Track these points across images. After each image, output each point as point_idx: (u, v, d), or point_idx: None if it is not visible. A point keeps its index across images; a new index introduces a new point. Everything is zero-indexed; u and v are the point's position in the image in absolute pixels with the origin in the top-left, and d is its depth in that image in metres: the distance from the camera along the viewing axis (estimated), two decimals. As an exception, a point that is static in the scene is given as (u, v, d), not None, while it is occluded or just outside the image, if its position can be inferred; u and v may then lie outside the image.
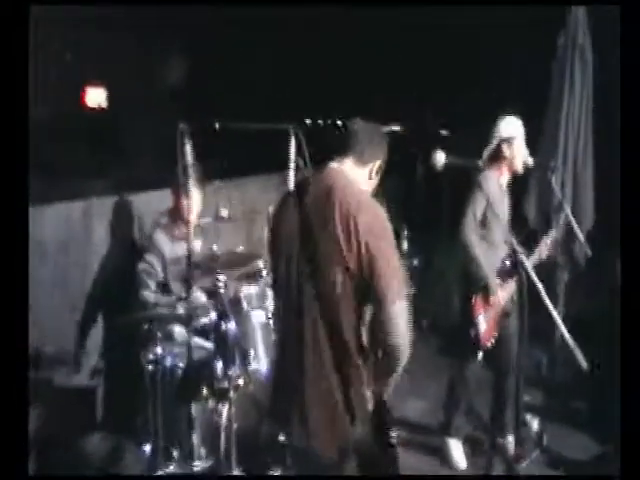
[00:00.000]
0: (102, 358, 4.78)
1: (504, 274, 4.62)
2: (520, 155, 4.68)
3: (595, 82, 6.22)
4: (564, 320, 6.22)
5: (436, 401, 5.41)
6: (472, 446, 5.02)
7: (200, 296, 4.61)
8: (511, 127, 4.70)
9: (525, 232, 6.04)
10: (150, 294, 4.40)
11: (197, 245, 4.57)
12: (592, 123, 6.26)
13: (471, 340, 4.62)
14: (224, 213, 4.50)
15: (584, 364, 3.01)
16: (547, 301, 3.05)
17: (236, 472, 3.99)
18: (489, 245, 4.62)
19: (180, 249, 4.27)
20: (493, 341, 4.65)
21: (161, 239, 4.49)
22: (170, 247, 4.48)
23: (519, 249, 3.16)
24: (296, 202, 2.73)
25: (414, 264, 7.25)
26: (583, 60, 6.18)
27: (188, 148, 3.49)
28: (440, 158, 3.03)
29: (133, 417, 4.29)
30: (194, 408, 4.00)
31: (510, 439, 4.82)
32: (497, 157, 4.69)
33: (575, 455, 4.90)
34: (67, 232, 4.61)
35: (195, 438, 4.04)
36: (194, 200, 4.27)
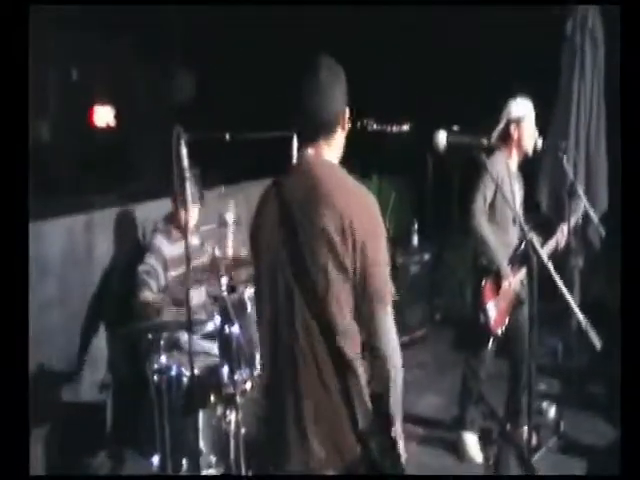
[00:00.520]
0: (109, 372, 4.72)
1: (516, 260, 4.55)
2: (529, 136, 4.57)
3: (607, 63, 6.14)
4: (581, 306, 6.22)
5: (451, 396, 5.31)
6: (487, 438, 4.95)
7: (200, 298, 4.58)
8: (520, 107, 4.60)
9: (538, 217, 5.99)
10: (150, 294, 4.33)
11: (197, 248, 4.58)
12: (604, 104, 6.19)
13: (481, 328, 4.54)
14: (229, 218, 4.43)
15: (598, 344, 2.95)
16: (559, 283, 2.98)
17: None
18: (499, 229, 4.53)
19: (181, 252, 4.21)
20: (504, 329, 4.56)
21: (161, 242, 4.47)
22: (170, 250, 4.45)
23: (528, 232, 3.09)
24: (277, 199, 2.49)
25: (425, 259, 7.15)
26: (593, 40, 6.11)
27: (184, 151, 3.42)
28: (442, 138, 2.92)
29: (140, 429, 4.21)
30: (202, 416, 3.92)
31: (526, 428, 4.76)
32: (505, 138, 4.60)
33: (593, 441, 4.81)
34: (69, 246, 4.56)
35: (203, 446, 3.96)
36: (192, 204, 4.24)
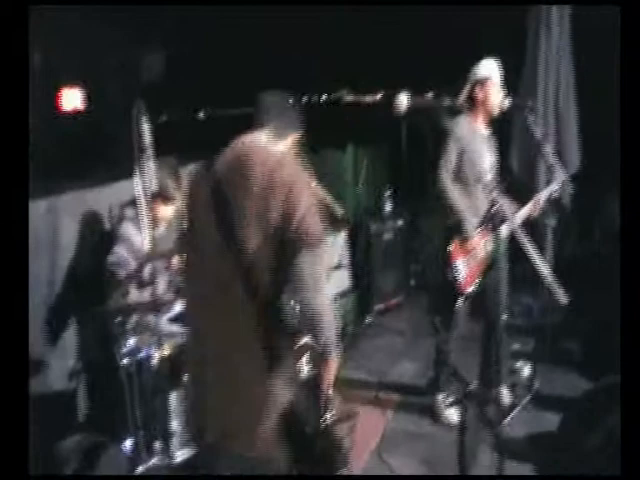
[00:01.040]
0: (78, 358, 4.67)
1: (487, 222, 4.55)
2: (495, 96, 4.53)
3: (572, 20, 6.14)
4: (554, 265, 6.27)
5: (427, 362, 5.32)
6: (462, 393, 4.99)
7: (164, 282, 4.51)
8: (485, 68, 4.56)
9: (510, 180, 6.00)
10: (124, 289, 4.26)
11: (164, 232, 4.44)
12: (572, 62, 6.18)
13: (450, 285, 4.55)
14: None
15: (564, 299, 2.96)
16: (527, 246, 3.00)
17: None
18: (467, 191, 4.53)
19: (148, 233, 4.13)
20: (474, 288, 4.57)
21: (129, 229, 4.31)
22: (138, 236, 4.28)
23: (497, 196, 3.10)
24: (207, 175, 2.53)
25: (398, 225, 7.15)
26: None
27: (145, 127, 3.34)
28: (403, 100, 2.91)
29: (113, 414, 4.14)
30: (174, 396, 3.91)
31: (502, 388, 4.80)
32: (472, 100, 4.58)
33: (567, 394, 4.85)
34: (33, 232, 4.47)
35: (176, 426, 3.93)
36: (170, 195, 4.19)
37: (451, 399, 4.81)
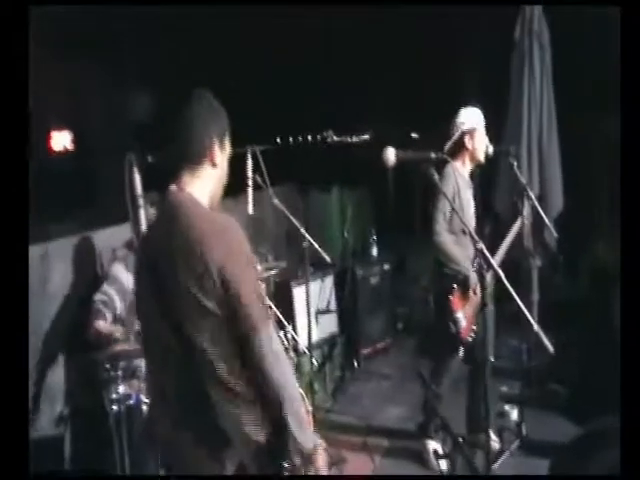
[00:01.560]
0: (67, 404, 4.63)
1: (477, 268, 4.58)
2: (482, 145, 4.65)
3: (554, 65, 6.25)
4: (540, 305, 6.29)
5: (415, 406, 5.32)
6: (452, 445, 4.97)
7: None
8: (472, 118, 4.67)
9: (495, 222, 6.06)
10: (105, 325, 4.26)
11: None
12: (555, 106, 6.28)
13: (451, 337, 4.56)
14: None
15: (550, 348, 2.97)
16: (510, 289, 3.01)
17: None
18: (458, 239, 4.58)
19: None
20: (473, 335, 4.60)
21: (119, 270, 4.38)
22: (128, 277, 4.34)
23: (478, 241, 3.12)
24: (144, 246, 2.41)
25: (384, 268, 7.16)
26: (540, 43, 6.20)
27: (137, 177, 3.39)
28: (390, 155, 2.95)
29: (100, 461, 4.06)
30: None
31: (490, 433, 4.79)
32: (459, 148, 4.67)
33: (556, 438, 4.84)
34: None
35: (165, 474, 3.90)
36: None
37: (440, 451, 4.79)
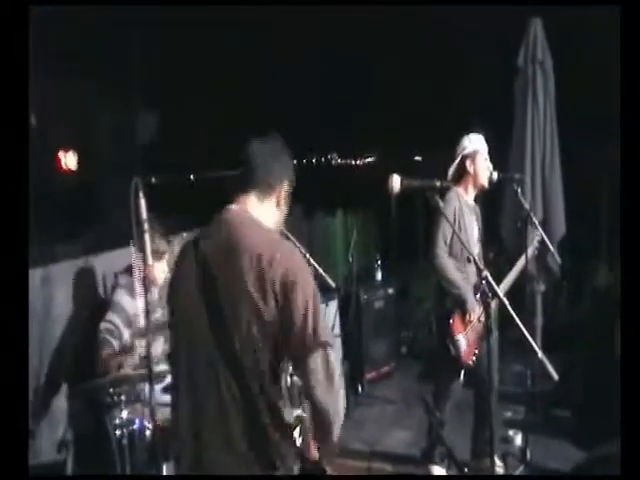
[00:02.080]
0: (69, 429, 4.61)
1: (480, 293, 4.60)
2: (484, 170, 4.69)
3: (557, 92, 6.31)
4: (543, 330, 6.29)
5: (419, 431, 5.34)
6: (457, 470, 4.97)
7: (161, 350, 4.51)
8: (473, 143, 4.72)
9: (500, 247, 6.09)
10: (112, 354, 4.22)
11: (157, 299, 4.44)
12: (557, 133, 6.33)
13: (452, 360, 4.58)
14: None
15: (555, 375, 2.99)
16: (515, 317, 3.03)
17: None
18: (461, 264, 4.61)
19: (141, 303, 4.16)
20: (474, 359, 4.61)
21: (122, 297, 4.35)
22: (133, 305, 4.34)
23: (483, 269, 3.14)
24: (195, 254, 2.42)
25: (389, 293, 7.18)
26: (544, 72, 6.26)
27: (142, 202, 3.42)
28: (396, 182, 2.97)
29: None
30: (165, 468, 3.79)
31: (495, 459, 4.79)
32: (462, 173, 4.71)
33: (560, 464, 4.84)
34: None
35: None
36: (158, 257, 4.25)
37: (445, 470, 4.81)
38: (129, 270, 4.46)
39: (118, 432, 3.86)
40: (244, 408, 2.28)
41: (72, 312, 4.71)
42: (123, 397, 3.93)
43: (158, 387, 4.23)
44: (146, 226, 3.57)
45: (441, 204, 3.14)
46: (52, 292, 4.59)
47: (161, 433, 3.77)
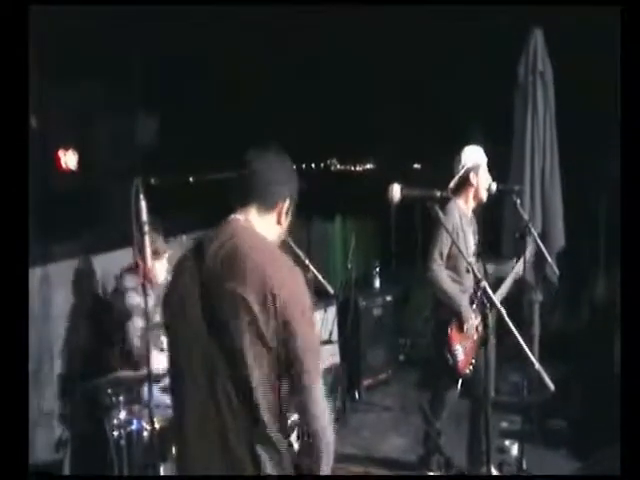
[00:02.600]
0: (67, 428, 4.63)
1: (477, 304, 4.64)
2: (485, 183, 4.73)
3: (557, 104, 6.34)
4: (541, 339, 6.32)
5: (416, 438, 5.35)
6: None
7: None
8: (475, 156, 4.75)
9: (498, 257, 6.11)
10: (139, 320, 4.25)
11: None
12: (557, 144, 6.36)
13: (449, 370, 4.61)
14: None
15: (551, 386, 3.00)
16: (512, 327, 3.05)
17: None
18: (458, 275, 4.64)
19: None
20: (471, 368, 4.64)
21: (135, 300, 4.32)
22: (141, 301, 4.26)
23: (479, 275, 3.16)
24: (195, 265, 2.38)
25: (387, 300, 7.20)
26: (544, 83, 6.29)
27: (143, 204, 3.44)
28: (396, 191, 2.98)
29: None
30: (163, 469, 3.82)
31: (490, 468, 4.81)
32: (464, 186, 4.74)
33: (556, 474, 4.86)
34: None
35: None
36: (150, 256, 4.26)
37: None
38: (132, 271, 4.47)
39: (116, 433, 3.88)
40: (240, 412, 2.28)
41: (71, 312, 4.72)
42: (122, 398, 3.95)
43: (157, 388, 4.26)
44: (146, 228, 3.61)
45: (441, 215, 3.16)
46: (51, 292, 4.62)
47: (159, 434, 3.82)
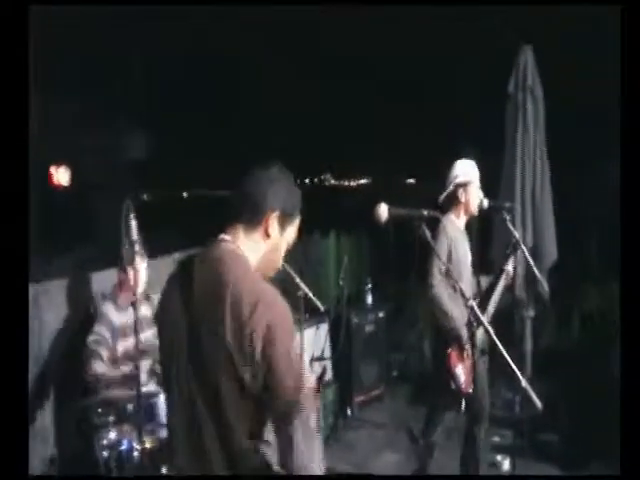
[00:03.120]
0: (57, 447, 4.61)
1: (467, 321, 4.62)
2: (475, 198, 4.71)
3: (546, 118, 6.39)
4: (533, 354, 6.32)
5: (409, 453, 5.35)
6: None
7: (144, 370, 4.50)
8: (466, 170, 4.73)
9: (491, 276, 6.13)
10: (101, 365, 4.24)
11: (147, 318, 4.47)
12: (547, 159, 6.40)
13: (451, 392, 4.57)
14: None
15: (538, 404, 3.00)
16: (497, 342, 3.04)
17: None
18: (455, 294, 4.60)
19: (129, 320, 4.09)
20: (472, 385, 4.61)
21: (109, 310, 4.39)
22: (118, 317, 4.38)
23: (466, 294, 3.16)
24: (185, 281, 2.36)
25: (379, 316, 7.17)
26: (534, 99, 6.34)
27: (133, 223, 3.45)
28: (383, 211, 2.98)
29: None
30: None
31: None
32: (453, 201, 4.74)
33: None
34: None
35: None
36: (141, 273, 4.30)
37: None
38: (117, 285, 4.48)
39: (105, 453, 3.87)
40: (219, 429, 2.27)
41: (61, 330, 4.70)
42: (111, 418, 3.95)
43: (146, 407, 4.25)
44: (137, 247, 3.62)
45: (427, 233, 3.15)
46: (42, 310, 4.59)
47: (149, 454, 3.81)
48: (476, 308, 3.07)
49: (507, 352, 2.96)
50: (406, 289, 7.97)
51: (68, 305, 4.75)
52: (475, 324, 3.14)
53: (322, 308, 4.57)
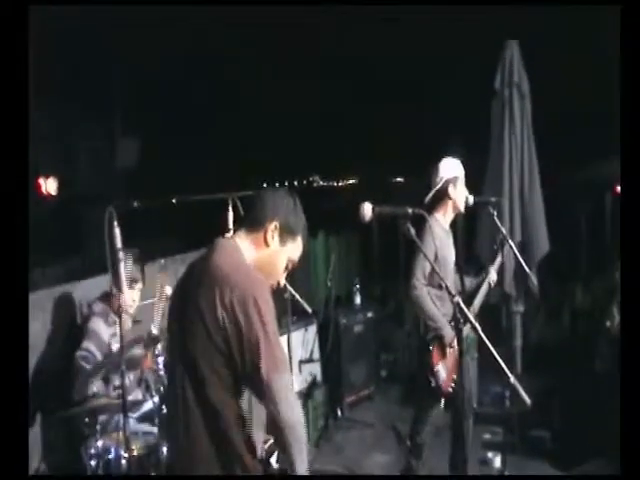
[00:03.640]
0: (43, 458, 4.52)
1: (453, 317, 4.60)
2: (462, 195, 4.69)
3: (533, 113, 6.37)
4: (523, 349, 6.31)
5: (399, 453, 5.33)
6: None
7: (132, 381, 4.46)
8: (453, 168, 4.71)
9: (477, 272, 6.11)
10: (88, 381, 4.18)
11: (136, 329, 4.45)
12: (535, 153, 6.38)
13: (432, 389, 4.56)
14: (168, 292, 4.32)
15: (527, 400, 2.97)
16: (485, 339, 3.01)
17: None
18: (441, 291, 4.57)
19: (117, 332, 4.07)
20: (453, 385, 4.59)
21: (97, 325, 4.35)
22: (109, 332, 4.35)
23: (453, 292, 3.12)
24: (186, 282, 2.56)
25: (368, 316, 7.13)
26: (520, 93, 6.32)
27: (117, 231, 3.43)
28: (367, 210, 2.96)
29: None
30: None
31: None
32: (441, 199, 4.70)
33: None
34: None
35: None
36: (131, 285, 4.27)
37: None
38: (104, 298, 4.45)
39: (93, 462, 3.83)
40: (209, 422, 2.40)
41: (48, 340, 4.65)
42: (99, 427, 3.92)
43: (134, 416, 4.21)
44: (121, 255, 3.59)
45: (412, 231, 3.12)
46: (29, 319, 4.53)
47: (137, 462, 3.78)
48: (462, 304, 3.03)
49: (496, 348, 2.93)
50: (394, 289, 7.94)
51: (55, 315, 4.69)
52: (462, 320, 3.08)
53: (309, 310, 4.53)
